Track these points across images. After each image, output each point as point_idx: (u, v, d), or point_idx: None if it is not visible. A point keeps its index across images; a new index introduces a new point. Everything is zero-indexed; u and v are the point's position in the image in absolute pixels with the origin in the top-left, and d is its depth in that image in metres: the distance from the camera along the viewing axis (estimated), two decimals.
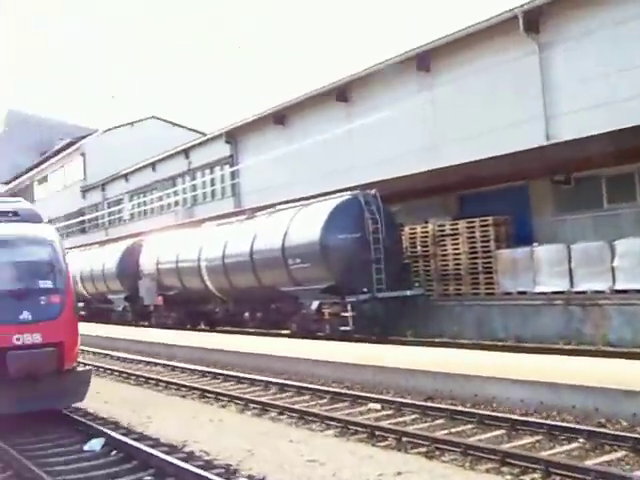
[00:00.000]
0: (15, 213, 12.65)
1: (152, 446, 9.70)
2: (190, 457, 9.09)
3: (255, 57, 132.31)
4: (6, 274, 11.34)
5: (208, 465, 8.59)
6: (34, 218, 12.73)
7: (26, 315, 11.05)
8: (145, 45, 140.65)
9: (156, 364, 20.05)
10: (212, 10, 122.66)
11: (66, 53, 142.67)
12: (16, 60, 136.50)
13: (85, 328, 28.93)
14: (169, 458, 8.75)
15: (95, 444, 10.52)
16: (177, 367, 18.88)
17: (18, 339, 10.86)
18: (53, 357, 11.16)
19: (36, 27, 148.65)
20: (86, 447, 10.53)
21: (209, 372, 17.36)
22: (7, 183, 60.07)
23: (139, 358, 21.30)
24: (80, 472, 9.05)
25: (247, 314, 23.42)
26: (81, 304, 35.32)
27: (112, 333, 27.10)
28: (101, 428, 11.08)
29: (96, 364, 20.79)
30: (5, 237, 11.81)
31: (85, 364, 18.38)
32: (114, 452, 9.98)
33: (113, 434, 10.57)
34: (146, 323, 30.91)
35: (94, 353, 23.57)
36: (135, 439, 10.18)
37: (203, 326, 27.38)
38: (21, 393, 10.92)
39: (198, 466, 8.38)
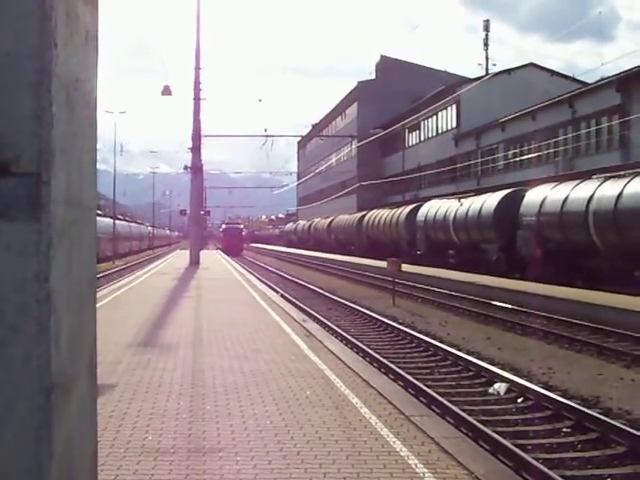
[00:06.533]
0: (238, 224, 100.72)
1: (563, 397, 9.41)
2: (608, 413, 8.62)
3: None
4: (236, 238, 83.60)
5: (634, 425, 8.07)
6: (239, 225, 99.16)
7: (234, 243, 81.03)
8: None
9: (537, 316, 19.55)
10: None
11: None
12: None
13: (456, 275, 29.47)
14: (589, 411, 8.38)
15: (499, 388, 10.51)
16: (562, 321, 18.21)
17: (231, 242, 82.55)
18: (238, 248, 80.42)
19: None
20: (491, 390, 10.56)
21: (600, 329, 16.43)
22: (380, 128, 62.48)
23: (517, 308, 20.98)
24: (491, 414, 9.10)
25: (638, 273, 21.84)
26: (451, 252, 37.51)
27: (486, 282, 27.10)
28: (503, 373, 11.06)
29: (477, 310, 20.99)
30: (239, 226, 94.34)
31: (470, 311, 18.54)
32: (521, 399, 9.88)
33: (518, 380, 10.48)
34: (517, 275, 30.39)
35: (470, 300, 23.67)
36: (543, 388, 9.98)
37: (580, 283, 26.16)
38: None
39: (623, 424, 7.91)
